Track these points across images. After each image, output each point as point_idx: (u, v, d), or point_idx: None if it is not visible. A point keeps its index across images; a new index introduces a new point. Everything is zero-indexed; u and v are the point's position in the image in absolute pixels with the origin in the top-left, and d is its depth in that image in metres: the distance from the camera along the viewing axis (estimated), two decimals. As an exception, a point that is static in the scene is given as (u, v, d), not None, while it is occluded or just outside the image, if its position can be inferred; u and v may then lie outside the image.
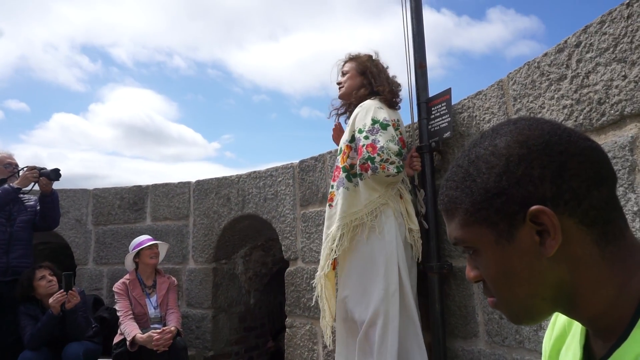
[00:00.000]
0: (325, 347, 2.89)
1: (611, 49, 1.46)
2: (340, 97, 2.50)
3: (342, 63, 2.52)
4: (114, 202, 4.25)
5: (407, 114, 2.48)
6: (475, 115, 2.12)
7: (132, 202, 4.21)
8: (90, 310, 3.54)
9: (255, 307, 4.26)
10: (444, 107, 2.23)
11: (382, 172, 2.06)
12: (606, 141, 1.46)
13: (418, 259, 2.20)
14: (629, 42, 1.40)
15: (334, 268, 2.30)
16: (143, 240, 3.52)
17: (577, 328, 0.67)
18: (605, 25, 1.48)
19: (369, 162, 2.08)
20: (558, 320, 0.73)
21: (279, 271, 3.94)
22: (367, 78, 2.39)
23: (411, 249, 2.19)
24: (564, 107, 1.64)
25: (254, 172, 3.64)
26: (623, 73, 1.42)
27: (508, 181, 0.58)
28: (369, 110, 2.23)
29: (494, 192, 0.59)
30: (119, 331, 3.26)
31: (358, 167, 2.15)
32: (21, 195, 3.28)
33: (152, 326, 3.29)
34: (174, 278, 3.66)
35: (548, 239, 0.57)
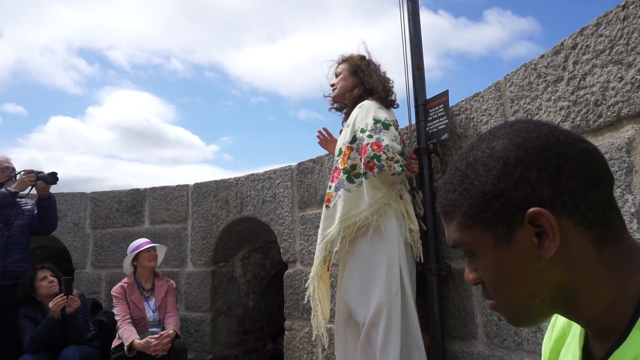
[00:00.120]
0: (324, 349, 2.89)
1: (607, 51, 1.47)
2: (333, 99, 2.50)
3: (336, 65, 2.52)
4: (112, 206, 4.25)
5: (405, 115, 2.48)
6: (473, 117, 2.13)
7: (130, 205, 4.20)
8: (89, 314, 3.53)
9: (254, 310, 4.25)
10: (442, 109, 2.24)
11: (388, 170, 2.05)
12: (603, 142, 1.47)
13: (419, 259, 2.19)
14: (625, 44, 1.41)
15: (327, 269, 2.30)
16: (141, 243, 3.52)
17: (576, 329, 0.67)
18: (602, 27, 1.49)
19: (374, 160, 2.06)
20: (557, 322, 0.73)
21: (278, 274, 3.93)
22: (359, 78, 2.39)
23: (411, 249, 2.18)
24: (561, 108, 1.65)
25: (252, 174, 3.64)
26: (619, 75, 1.42)
27: (506, 183, 0.58)
28: (369, 110, 2.23)
29: (492, 195, 0.59)
30: (117, 335, 3.26)
31: (362, 166, 2.12)
32: (18, 199, 3.27)
33: (150, 330, 3.29)
34: (172, 281, 3.65)
35: (546, 241, 0.57)
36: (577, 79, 1.58)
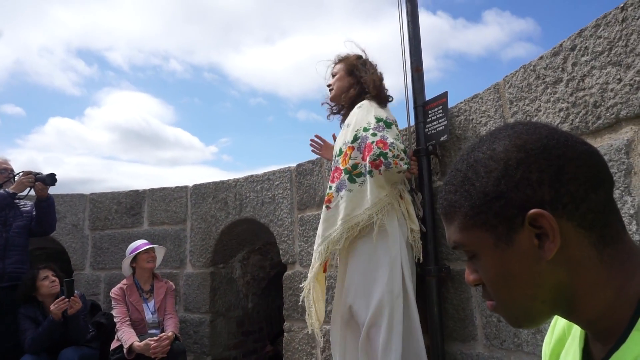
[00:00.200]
0: (323, 350, 2.89)
1: (606, 53, 1.47)
2: (331, 99, 2.49)
3: (332, 65, 2.51)
4: (111, 207, 4.24)
5: (404, 117, 2.49)
6: (472, 119, 2.13)
7: (129, 206, 4.20)
8: (88, 315, 3.54)
9: (253, 312, 4.25)
10: (441, 111, 2.24)
11: (395, 168, 2.05)
12: (602, 144, 1.47)
13: (418, 259, 2.19)
14: (623, 46, 1.41)
15: (324, 270, 2.29)
16: (139, 244, 3.51)
17: (576, 331, 0.67)
18: (600, 29, 1.50)
19: (381, 157, 2.04)
20: (557, 324, 0.73)
21: (277, 275, 3.93)
22: (355, 77, 2.38)
23: (411, 249, 2.18)
24: (560, 110, 1.65)
25: (251, 175, 3.64)
26: (618, 76, 1.43)
27: (507, 185, 0.58)
28: (369, 109, 2.23)
29: (492, 196, 0.59)
30: (116, 337, 3.25)
31: (368, 165, 2.09)
32: (17, 201, 3.27)
33: (149, 332, 3.28)
34: (171, 282, 3.65)
35: (547, 242, 0.57)
36: (576, 80, 1.59)
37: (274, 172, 3.47)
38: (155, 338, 3.10)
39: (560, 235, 0.56)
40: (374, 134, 2.11)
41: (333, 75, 2.47)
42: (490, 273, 0.62)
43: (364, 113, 2.22)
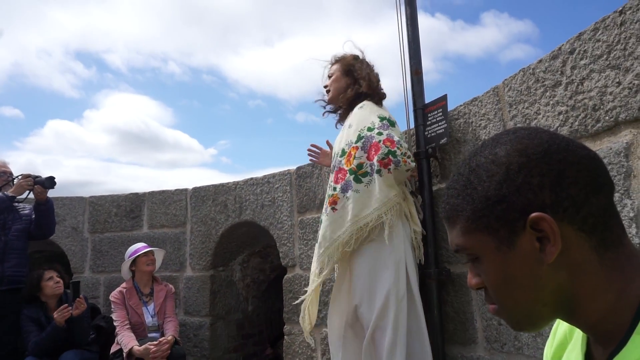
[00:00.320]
0: (324, 353, 2.88)
1: (605, 56, 1.48)
2: (329, 101, 2.47)
3: (329, 66, 2.49)
4: (110, 210, 4.24)
5: (404, 120, 2.49)
6: (472, 122, 2.14)
7: (129, 209, 4.20)
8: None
9: (253, 314, 4.24)
10: (440, 114, 2.25)
11: (404, 166, 2.04)
12: (601, 147, 1.48)
13: (420, 261, 2.18)
14: (622, 49, 1.42)
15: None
16: (138, 247, 3.51)
17: (578, 335, 0.68)
18: (599, 33, 1.50)
19: (390, 156, 2.03)
20: (559, 328, 0.74)
21: (277, 278, 3.93)
22: (352, 77, 2.36)
23: (414, 251, 2.16)
24: (559, 113, 1.66)
25: (251, 178, 3.65)
26: (617, 80, 1.43)
27: (508, 189, 0.59)
28: (372, 109, 2.22)
29: (494, 200, 0.60)
30: (116, 341, 3.25)
31: (376, 164, 2.06)
32: (16, 204, 3.26)
33: (149, 335, 3.28)
34: (171, 285, 3.64)
35: (548, 246, 0.58)
36: (575, 83, 1.59)
37: (273, 175, 3.47)
38: (155, 342, 3.10)
39: (561, 238, 0.57)
40: (379, 133, 2.10)
41: (329, 77, 2.45)
42: (492, 276, 0.62)
43: (366, 113, 2.21)
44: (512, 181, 0.59)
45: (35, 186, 3.14)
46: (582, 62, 1.57)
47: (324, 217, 2.21)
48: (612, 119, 1.45)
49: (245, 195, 3.65)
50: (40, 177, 3.18)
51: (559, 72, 1.66)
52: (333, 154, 2.39)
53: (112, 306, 3.34)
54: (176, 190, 4.08)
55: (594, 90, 1.52)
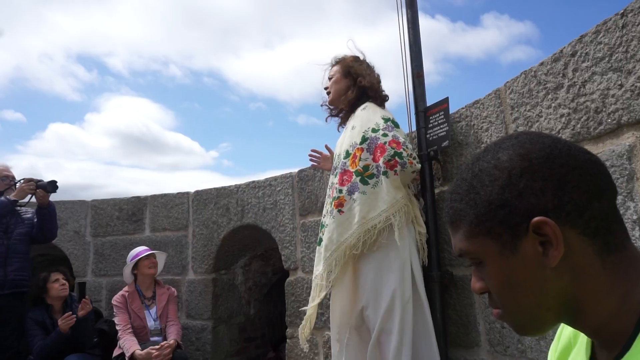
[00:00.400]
0: (326, 357, 2.88)
1: (607, 58, 1.48)
2: (329, 103, 2.46)
3: (329, 67, 2.48)
4: (112, 213, 4.25)
5: (405, 123, 2.49)
6: (474, 124, 2.14)
7: (131, 213, 4.20)
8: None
9: (256, 318, 4.24)
10: (442, 116, 2.25)
11: (410, 167, 2.04)
12: (604, 150, 1.47)
13: (424, 263, 2.17)
14: (624, 52, 1.42)
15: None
16: (140, 251, 3.51)
17: (582, 340, 0.67)
18: (601, 35, 1.50)
19: (396, 157, 2.02)
20: (564, 332, 0.74)
21: (279, 281, 3.93)
22: (352, 79, 2.34)
23: (419, 253, 2.15)
24: (562, 115, 1.65)
25: (253, 181, 3.65)
26: (619, 82, 1.43)
27: (511, 193, 0.59)
28: (375, 110, 2.21)
29: (497, 204, 0.60)
30: (118, 345, 3.25)
31: (382, 166, 2.05)
32: (18, 208, 3.27)
33: (151, 339, 3.28)
34: (173, 289, 3.64)
35: (551, 250, 0.58)
36: (577, 86, 1.59)
37: (275, 178, 3.47)
38: (156, 347, 3.10)
39: (564, 242, 0.57)
40: (384, 134, 2.09)
41: (330, 78, 2.44)
42: (496, 280, 0.63)
43: (370, 114, 2.20)
44: (515, 185, 0.59)
45: (38, 190, 3.15)
46: (584, 64, 1.57)
47: (328, 220, 2.19)
48: (614, 122, 1.45)
49: (247, 198, 3.65)
50: (42, 181, 3.19)
51: (561, 75, 1.66)
52: (335, 156, 2.38)
53: (115, 310, 3.34)
54: (178, 193, 4.09)
55: (596, 92, 1.51)
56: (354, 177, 2.13)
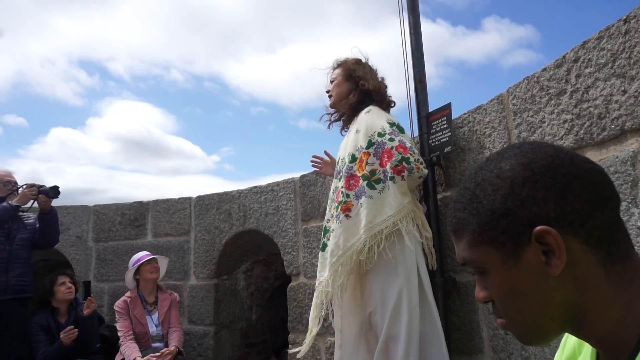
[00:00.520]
0: (328, 363, 2.86)
1: (610, 64, 1.47)
2: (330, 106, 2.44)
3: (331, 70, 2.46)
4: (114, 219, 4.25)
5: (408, 128, 2.49)
6: (476, 130, 2.13)
7: (133, 218, 4.21)
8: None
9: (258, 323, 4.23)
10: (444, 122, 2.24)
11: (417, 173, 2.03)
12: (607, 156, 1.47)
13: (432, 267, 2.15)
14: (627, 58, 1.41)
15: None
16: (142, 256, 3.51)
17: (587, 349, 0.67)
18: (603, 41, 1.50)
19: (403, 162, 2.02)
20: (568, 341, 0.73)
21: (281, 286, 3.92)
22: (354, 82, 2.33)
23: (426, 257, 2.13)
24: (565, 121, 1.65)
25: (255, 187, 3.65)
26: (622, 88, 1.43)
27: (513, 202, 0.60)
28: (379, 114, 2.20)
29: (499, 213, 0.60)
30: (119, 351, 3.24)
31: (390, 171, 2.04)
32: (20, 213, 3.27)
33: (153, 345, 3.27)
34: (176, 294, 3.64)
35: (554, 259, 0.58)
36: (580, 92, 1.59)
37: (277, 183, 3.47)
38: (157, 354, 3.09)
39: (566, 252, 0.57)
40: (391, 139, 2.08)
41: (332, 81, 2.42)
42: (499, 290, 0.63)
43: (375, 118, 2.18)
44: (517, 195, 0.59)
45: (40, 196, 3.15)
46: (587, 70, 1.56)
47: (335, 225, 2.15)
48: (618, 128, 1.44)
49: (249, 203, 3.65)
50: (44, 186, 3.19)
51: (564, 81, 1.66)
52: (338, 159, 2.35)
53: (116, 316, 3.34)
54: (180, 198, 4.09)
55: (599, 98, 1.51)
56: (361, 181, 2.11)
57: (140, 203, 4.23)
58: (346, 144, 2.28)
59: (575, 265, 0.57)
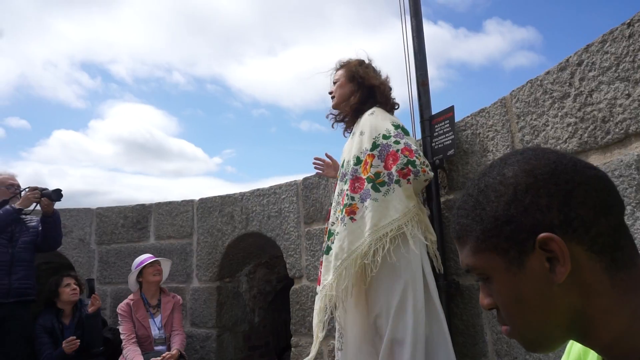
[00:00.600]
0: (331, 367, 2.86)
1: (614, 68, 1.47)
2: (333, 107, 2.43)
3: (334, 71, 2.45)
4: (117, 221, 4.26)
5: (410, 131, 2.48)
6: (479, 133, 2.13)
7: (136, 220, 4.21)
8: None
9: (260, 326, 4.22)
10: (447, 125, 2.24)
11: (423, 176, 2.02)
12: (612, 159, 1.46)
13: (439, 270, 2.13)
14: (631, 61, 1.41)
15: (319, 283, 2.20)
16: (144, 258, 3.51)
17: (592, 357, 0.66)
18: (607, 45, 1.49)
19: (409, 166, 2.01)
20: (573, 348, 0.73)
21: (284, 289, 3.92)
22: (357, 83, 2.31)
23: (431, 260, 2.12)
24: (568, 125, 1.64)
25: (258, 189, 3.65)
26: (627, 92, 1.42)
27: (516, 209, 0.59)
28: (384, 116, 2.19)
29: (503, 220, 0.60)
30: (122, 355, 3.24)
31: (395, 174, 2.03)
32: (23, 216, 3.28)
33: (155, 348, 3.27)
34: (179, 297, 3.64)
35: (558, 266, 0.57)
36: (584, 95, 1.58)
37: (280, 186, 3.47)
38: (158, 358, 3.09)
39: (571, 259, 0.57)
40: (396, 142, 2.07)
41: (334, 83, 2.41)
42: (503, 297, 0.62)
43: (379, 120, 2.17)
44: (520, 201, 0.59)
45: (42, 199, 3.15)
46: (591, 74, 1.56)
47: (339, 228, 2.13)
48: (622, 131, 1.44)
49: (251, 206, 3.65)
50: (47, 189, 3.20)
51: (567, 84, 1.65)
52: (342, 162, 2.33)
53: (119, 319, 3.34)
54: (183, 201, 4.10)
55: (603, 102, 1.50)
56: (366, 183, 2.10)
57: (142, 206, 4.23)
58: (351, 147, 2.27)
59: (579, 273, 0.57)
